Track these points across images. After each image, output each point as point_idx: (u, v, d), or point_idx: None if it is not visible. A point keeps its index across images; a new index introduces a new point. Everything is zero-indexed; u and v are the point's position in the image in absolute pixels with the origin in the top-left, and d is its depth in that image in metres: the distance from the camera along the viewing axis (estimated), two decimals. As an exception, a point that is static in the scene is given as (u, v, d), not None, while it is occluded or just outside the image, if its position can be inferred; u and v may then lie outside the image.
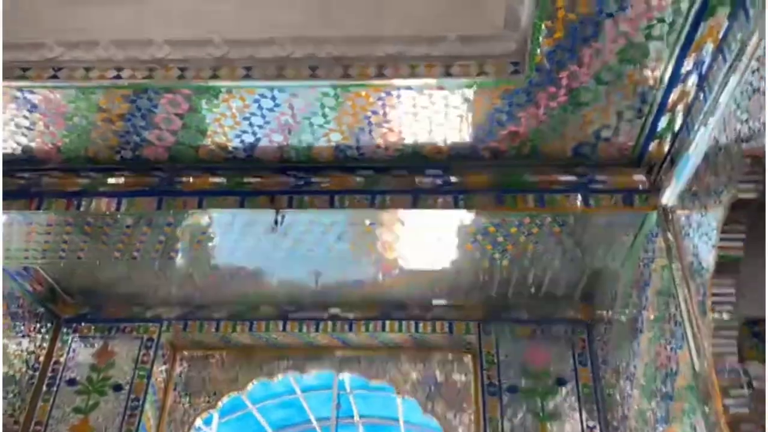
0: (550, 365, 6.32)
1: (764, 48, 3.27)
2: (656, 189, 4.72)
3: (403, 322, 6.72)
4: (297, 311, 6.85)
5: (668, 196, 4.56)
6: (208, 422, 6.98)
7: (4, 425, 5.96)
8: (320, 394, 8.77)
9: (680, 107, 4.20)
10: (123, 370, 6.63)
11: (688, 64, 3.97)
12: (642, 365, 5.00)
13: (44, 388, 6.53)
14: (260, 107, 4.62)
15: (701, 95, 3.95)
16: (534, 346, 6.43)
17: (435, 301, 6.67)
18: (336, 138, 4.86)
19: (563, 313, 6.52)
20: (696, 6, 3.67)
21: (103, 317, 6.93)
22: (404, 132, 4.77)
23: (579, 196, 4.87)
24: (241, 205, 5.11)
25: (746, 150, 3.52)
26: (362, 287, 6.55)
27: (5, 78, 4.50)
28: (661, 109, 4.32)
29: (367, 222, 5.16)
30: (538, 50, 4.02)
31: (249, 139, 4.91)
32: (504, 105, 4.46)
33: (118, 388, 6.54)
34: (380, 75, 4.35)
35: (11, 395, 6.15)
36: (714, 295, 3.95)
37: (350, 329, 6.79)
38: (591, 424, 5.96)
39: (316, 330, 6.80)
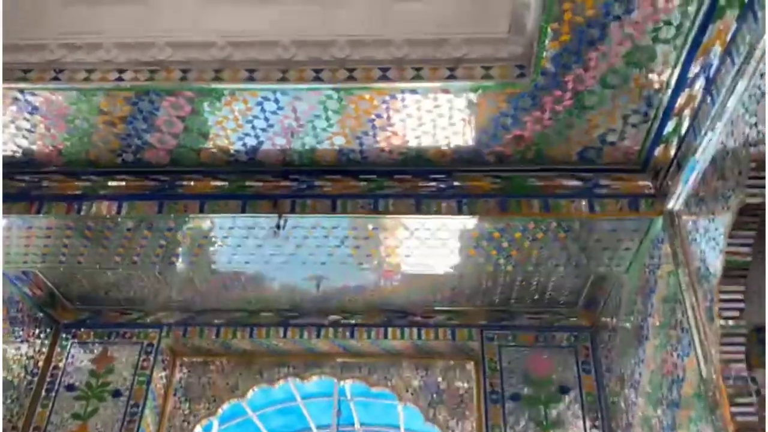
0: (554, 373, 6.28)
1: (771, 50, 3.24)
2: (662, 194, 4.67)
3: (405, 329, 6.69)
4: (298, 317, 6.81)
5: (674, 201, 4.51)
6: (207, 429, 6.91)
7: (2, 431, 5.90)
8: (321, 402, 8.71)
9: (687, 111, 4.16)
10: (122, 375, 6.59)
11: (695, 68, 3.93)
12: (647, 372, 4.94)
13: (43, 393, 6.50)
14: (263, 110, 4.58)
15: (708, 99, 3.91)
16: (537, 353, 6.39)
17: (437, 307, 6.62)
18: (339, 141, 4.82)
19: (567, 320, 6.49)
20: (704, 8, 3.64)
21: (102, 322, 6.89)
22: (408, 136, 4.74)
23: (584, 201, 4.83)
24: (243, 210, 5.07)
25: (754, 154, 3.48)
26: (364, 293, 6.52)
27: (6, 80, 4.47)
28: (668, 113, 4.28)
29: (370, 227, 5.12)
30: (544, 53, 3.99)
31: (251, 142, 4.87)
32: (509, 109, 4.43)
33: (117, 393, 6.49)
34: (384, 78, 4.31)
35: (10, 401, 6.10)
36: (721, 301, 3.90)
37: (352, 336, 6.76)
38: (595, 432, 5.93)
39: (317, 336, 6.77)
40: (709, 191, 4.02)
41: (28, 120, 4.80)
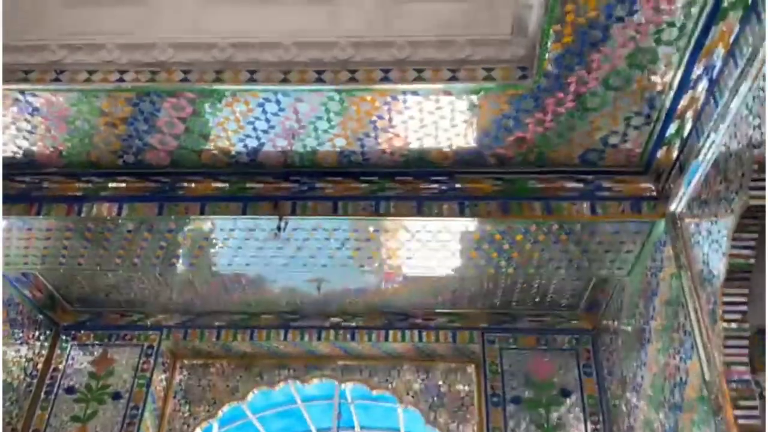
0: (555, 376, 6.27)
1: (777, 52, 3.23)
2: (664, 196, 4.66)
3: (406, 331, 6.69)
4: (299, 320, 6.80)
5: (677, 204, 4.50)
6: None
7: (1, 433, 5.90)
8: (321, 404, 8.69)
9: (690, 113, 4.15)
10: (122, 378, 6.59)
11: (698, 70, 3.92)
12: (649, 376, 4.92)
13: (42, 395, 6.49)
14: (264, 111, 4.57)
15: (711, 101, 3.89)
16: (538, 356, 6.38)
17: (438, 310, 6.61)
18: (340, 143, 4.81)
19: (568, 323, 6.48)
20: (707, 10, 3.63)
21: (102, 324, 6.89)
22: (410, 137, 4.72)
23: (586, 204, 4.81)
24: (244, 212, 5.05)
25: (757, 156, 3.46)
26: (365, 295, 6.51)
27: (7, 80, 4.46)
28: (670, 115, 4.27)
29: (371, 229, 5.10)
30: (547, 55, 3.97)
31: (252, 143, 4.86)
32: (511, 110, 4.41)
33: (117, 396, 6.49)
34: (386, 79, 4.30)
35: (9, 403, 6.08)
36: (725, 303, 3.88)
37: (352, 338, 6.75)
38: (596, 435, 5.91)
39: (318, 339, 6.76)
40: (712, 193, 4.00)
41: (28, 121, 4.78)
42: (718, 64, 3.76)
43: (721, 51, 3.71)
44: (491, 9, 4.24)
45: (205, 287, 6.44)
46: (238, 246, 5.30)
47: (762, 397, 3.83)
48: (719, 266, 3.90)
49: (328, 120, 4.61)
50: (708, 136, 3.97)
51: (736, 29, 3.54)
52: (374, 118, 4.57)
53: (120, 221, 5.16)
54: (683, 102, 4.13)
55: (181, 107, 4.59)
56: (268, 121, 4.65)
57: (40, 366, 6.56)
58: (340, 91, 4.37)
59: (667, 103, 4.22)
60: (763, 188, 3.51)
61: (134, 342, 6.78)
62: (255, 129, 4.73)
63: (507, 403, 6.12)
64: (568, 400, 6.12)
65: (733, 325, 3.90)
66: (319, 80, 4.34)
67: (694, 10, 3.66)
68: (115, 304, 6.78)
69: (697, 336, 4.13)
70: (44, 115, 4.72)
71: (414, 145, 4.79)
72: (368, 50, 4.32)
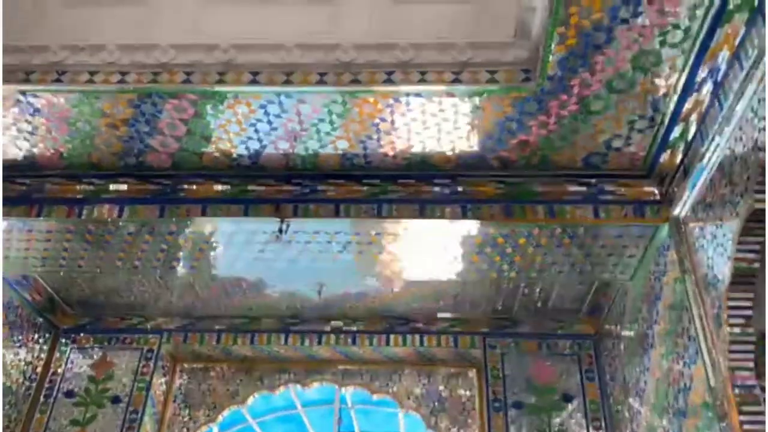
0: (557, 381, 6.22)
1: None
2: (668, 200, 4.64)
3: (407, 336, 6.65)
4: (299, 324, 6.77)
5: (680, 208, 4.48)
6: (207, 436, 6.87)
7: (0, 436, 5.86)
8: (321, 409, 8.64)
9: (694, 116, 4.13)
10: (122, 381, 6.54)
11: (702, 72, 3.90)
12: (653, 381, 4.89)
13: (41, 399, 6.44)
14: (267, 113, 4.55)
15: (716, 104, 3.88)
16: (540, 361, 6.34)
17: (440, 314, 6.58)
18: (343, 145, 4.79)
19: (570, 328, 6.44)
20: (712, 12, 3.61)
21: (102, 328, 6.85)
22: (412, 140, 4.70)
23: (589, 207, 4.79)
24: (245, 214, 5.03)
25: (763, 159, 3.44)
26: (366, 299, 6.47)
27: (8, 81, 4.44)
28: (674, 118, 4.25)
29: (373, 232, 5.08)
30: (550, 57, 3.95)
31: (254, 146, 4.84)
32: (514, 113, 4.40)
33: (116, 400, 6.44)
34: (389, 81, 4.28)
35: (8, 406, 6.04)
36: (730, 308, 3.85)
37: (353, 342, 6.71)
38: (598, 441, 5.88)
39: (319, 343, 6.72)
40: (717, 197, 3.98)
41: (29, 122, 4.77)
42: (723, 66, 3.74)
43: (726, 53, 3.70)
44: (494, 11, 4.23)
45: (206, 290, 6.41)
46: (239, 249, 5.28)
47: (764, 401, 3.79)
48: (724, 270, 3.87)
49: (331, 122, 4.59)
50: (712, 139, 3.95)
51: (742, 32, 3.53)
52: (377, 120, 4.55)
53: (121, 223, 5.14)
54: (687, 105, 4.12)
55: (182, 109, 4.57)
56: (270, 123, 4.63)
57: (39, 369, 6.52)
58: (342, 93, 4.36)
59: (671, 107, 4.20)
60: (769, 191, 3.49)
61: (134, 345, 6.74)
62: (257, 131, 4.71)
63: (508, 408, 6.07)
64: (570, 406, 6.08)
65: (737, 329, 3.87)
66: (322, 82, 4.32)
67: (699, 13, 3.64)
68: (115, 307, 6.74)
69: (701, 341, 4.10)
70: (45, 116, 4.70)
71: (416, 147, 4.77)
72: (371, 52, 4.31)
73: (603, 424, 5.92)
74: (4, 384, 5.97)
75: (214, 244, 5.30)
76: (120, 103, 4.57)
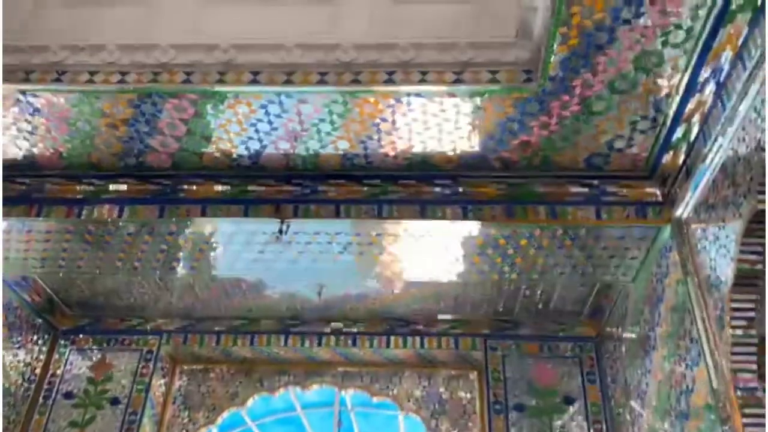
0: (558, 383, 6.21)
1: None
2: (670, 201, 4.61)
3: (408, 338, 6.64)
4: (299, 325, 6.75)
5: (683, 209, 4.45)
6: (206, 438, 6.84)
7: (-2, 438, 5.84)
8: (321, 412, 8.61)
9: (696, 117, 4.11)
10: (121, 383, 6.53)
11: (705, 73, 3.87)
12: (654, 383, 4.87)
13: (40, 400, 6.43)
14: (267, 113, 4.53)
15: (719, 104, 3.85)
16: (541, 363, 6.32)
17: (440, 316, 6.56)
18: (343, 146, 4.77)
19: (571, 330, 6.43)
20: (715, 12, 3.59)
21: (101, 329, 6.84)
22: (413, 140, 4.68)
23: (591, 209, 4.76)
24: (245, 214, 5.01)
25: (766, 159, 3.42)
26: (366, 301, 6.46)
27: (8, 81, 4.42)
28: (677, 119, 4.22)
29: (374, 233, 5.05)
30: (552, 58, 3.93)
31: (255, 146, 4.82)
32: (516, 113, 4.37)
33: (115, 401, 6.43)
34: (390, 81, 4.26)
35: (6, 408, 6.02)
36: (733, 309, 3.83)
37: (353, 344, 6.70)
38: (599, 443, 5.85)
39: (319, 344, 6.71)
40: (720, 198, 3.96)
41: (29, 122, 4.75)
42: (726, 66, 3.72)
43: (729, 54, 3.67)
44: (495, 11, 4.22)
45: (206, 292, 6.40)
46: (239, 249, 5.26)
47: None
48: (727, 271, 3.85)
49: (331, 122, 4.57)
50: (715, 140, 3.92)
51: (745, 31, 3.51)
52: (377, 120, 4.53)
53: (120, 224, 5.12)
54: (690, 106, 4.09)
55: (182, 109, 4.55)
56: (270, 123, 4.61)
57: (38, 371, 6.50)
58: (343, 92, 4.33)
59: (674, 107, 4.18)
60: (773, 192, 3.47)
61: (133, 347, 6.73)
62: (257, 131, 4.69)
63: (509, 411, 6.06)
64: (571, 408, 6.06)
65: (739, 331, 3.85)
66: (322, 82, 4.31)
67: (702, 13, 3.62)
68: (115, 308, 6.73)
69: (704, 343, 4.07)
70: (45, 116, 4.69)
71: (417, 148, 4.75)
72: (372, 52, 4.29)
73: (604, 427, 5.91)
74: (2, 385, 5.95)
75: (214, 245, 5.27)
76: (120, 103, 4.55)
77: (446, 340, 6.55)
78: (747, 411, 3.70)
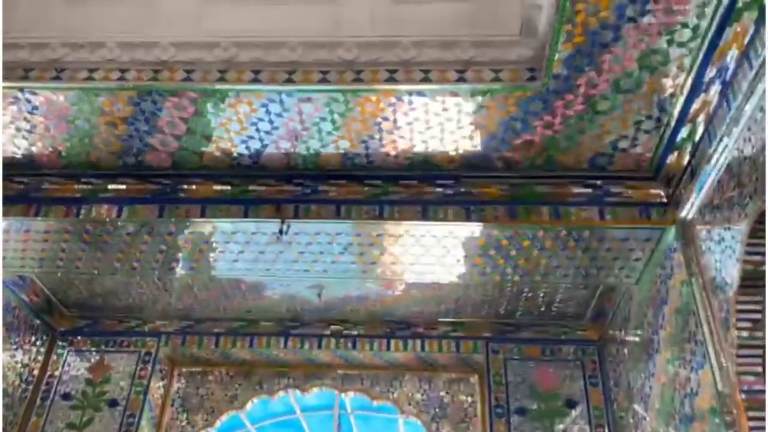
0: (560, 387, 6.18)
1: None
2: (675, 202, 4.56)
3: (408, 341, 6.60)
4: (299, 327, 6.72)
5: (687, 210, 4.40)
6: (205, 441, 6.78)
7: (-5, 439, 5.80)
8: (321, 415, 8.56)
9: (701, 117, 4.06)
10: (119, 385, 6.49)
11: (710, 72, 3.83)
12: (658, 386, 4.82)
13: (38, 402, 6.40)
14: (268, 112, 4.49)
15: (724, 104, 3.81)
16: (543, 366, 6.29)
17: (441, 319, 6.52)
18: (344, 145, 4.73)
19: (574, 333, 6.40)
20: (721, 10, 3.55)
21: (99, 330, 6.80)
22: (415, 140, 4.64)
23: (595, 209, 4.71)
24: (245, 214, 4.96)
25: (773, 159, 3.38)
26: (366, 303, 6.42)
27: (7, 78, 4.39)
28: (682, 119, 4.18)
29: (375, 233, 5.01)
30: (557, 56, 3.89)
31: (255, 145, 4.78)
32: (519, 113, 4.33)
33: (113, 403, 6.39)
34: (392, 80, 4.23)
35: (4, 409, 5.98)
36: (738, 311, 3.78)
37: (353, 347, 6.66)
38: (602, 447, 5.80)
39: (318, 347, 6.67)
40: (725, 199, 3.91)
41: (28, 120, 4.71)
42: (732, 66, 3.68)
43: (735, 52, 3.63)
44: (498, 9, 4.18)
45: (205, 293, 6.36)
46: (239, 250, 5.21)
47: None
48: (733, 273, 3.80)
49: (332, 121, 4.53)
50: (720, 140, 3.88)
51: (751, 30, 3.47)
52: (379, 119, 4.49)
53: (119, 223, 5.08)
54: (695, 105, 4.05)
55: (183, 107, 4.51)
56: (271, 122, 4.57)
57: (36, 372, 6.46)
58: (344, 91, 4.30)
59: (679, 107, 4.14)
60: (779, 192, 3.42)
61: (131, 348, 6.69)
62: (258, 130, 4.65)
63: (511, 415, 6.02)
64: (573, 412, 6.02)
65: (745, 333, 3.80)
66: (324, 81, 4.27)
67: (708, 11, 3.58)
68: (113, 309, 6.69)
69: (709, 345, 4.03)
70: (44, 114, 4.65)
71: (419, 147, 4.71)
72: (373, 51, 4.26)
73: (607, 431, 5.87)
74: (0, 386, 5.90)
75: (214, 245, 5.23)
76: (119, 101, 4.51)
77: (447, 342, 6.51)
78: (751, 414, 3.66)
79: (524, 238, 4.88)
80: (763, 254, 3.69)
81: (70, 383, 6.51)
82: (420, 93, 4.27)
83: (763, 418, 3.65)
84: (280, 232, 4.90)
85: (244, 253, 5.24)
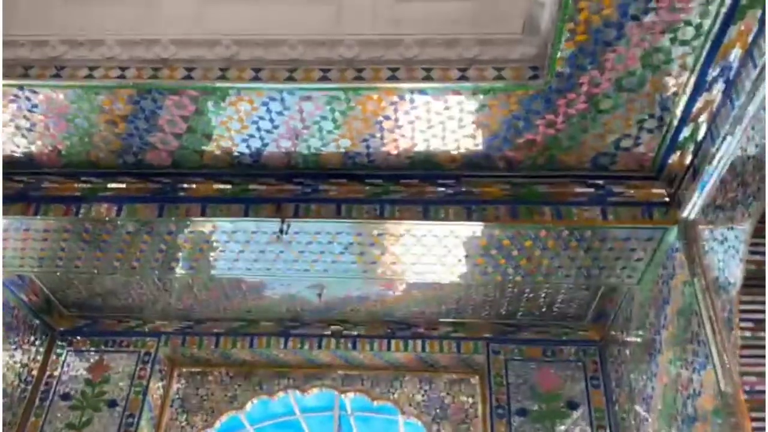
0: (561, 388, 6.15)
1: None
2: (677, 202, 4.54)
3: (409, 341, 6.58)
4: (299, 327, 6.69)
5: (690, 210, 4.38)
6: (204, 442, 6.76)
7: (-6, 440, 5.77)
8: (321, 416, 8.53)
9: (704, 116, 4.04)
10: (118, 385, 6.47)
11: (714, 71, 3.81)
12: (660, 387, 4.79)
13: (37, 402, 6.38)
14: (269, 110, 4.47)
15: (728, 103, 3.79)
16: (544, 367, 6.26)
17: (442, 319, 6.50)
18: (345, 144, 4.70)
19: (575, 334, 6.37)
20: (724, 9, 3.53)
21: (99, 330, 6.78)
22: (416, 138, 4.62)
23: (597, 209, 4.69)
24: (246, 214, 4.94)
25: (777, 158, 3.36)
26: (367, 303, 6.40)
27: (6, 76, 4.37)
28: (684, 118, 4.16)
29: (375, 233, 4.98)
30: (559, 54, 3.87)
31: (256, 144, 4.76)
32: (521, 111, 4.31)
33: (113, 404, 6.36)
34: (393, 78, 4.21)
35: (2, 409, 5.94)
36: (741, 311, 3.76)
37: (354, 347, 6.64)
38: (604, 448, 5.78)
39: (319, 347, 6.65)
40: (728, 198, 3.89)
41: (27, 118, 4.69)
42: (736, 64, 3.66)
43: (738, 51, 3.62)
44: (501, 7, 4.16)
45: (205, 293, 6.33)
46: (239, 249, 5.18)
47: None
48: (736, 272, 3.78)
49: (333, 120, 4.51)
50: (724, 139, 3.86)
51: (755, 28, 3.45)
52: (380, 118, 4.47)
53: (119, 222, 5.05)
54: (698, 104, 4.03)
55: (183, 105, 4.49)
56: (272, 120, 4.55)
57: (35, 372, 6.44)
58: (346, 90, 4.28)
59: (682, 106, 4.11)
60: (783, 191, 3.40)
61: (131, 348, 6.67)
62: (259, 129, 4.63)
63: (512, 416, 5.99)
64: (574, 413, 5.99)
65: (748, 333, 3.78)
66: (325, 79, 4.25)
67: (712, 9, 3.56)
68: (112, 309, 6.66)
69: (712, 345, 4.00)
70: (43, 112, 4.63)
71: (420, 146, 4.69)
72: (375, 48, 4.24)
73: (608, 432, 5.84)
74: (-1, 386, 5.89)
75: (214, 244, 5.20)
76: (119, 99, 4.49)
77: (448, 343, 6.49)
78: (757, 415, 3.63)
79: (526, 238, 4.85)
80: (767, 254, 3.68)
81: (70, 383, 6.49)
82: (422, 91, 4.25)
83: (762, 419, 3.63)
84: (281, 231, 4.88)
85: (244, 252, 5.21)
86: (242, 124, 4.60)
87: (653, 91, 4.09)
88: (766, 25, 3.31)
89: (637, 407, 5.25)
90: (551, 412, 6.01)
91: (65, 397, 6.41)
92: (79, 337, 6.74)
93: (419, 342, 6.53)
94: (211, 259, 5.37)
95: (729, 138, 3.80)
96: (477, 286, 5.92)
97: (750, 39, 3.50)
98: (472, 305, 6.27)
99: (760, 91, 3.46)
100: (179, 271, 5.54)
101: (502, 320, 6.41)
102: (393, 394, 6.72)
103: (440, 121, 4.45)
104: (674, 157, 4.44)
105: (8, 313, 6.08)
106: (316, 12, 4.30)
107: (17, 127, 4.78)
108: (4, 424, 5.97)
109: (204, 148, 4.83)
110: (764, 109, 3.44)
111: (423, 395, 6.66)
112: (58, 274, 5.84)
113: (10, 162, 5.03)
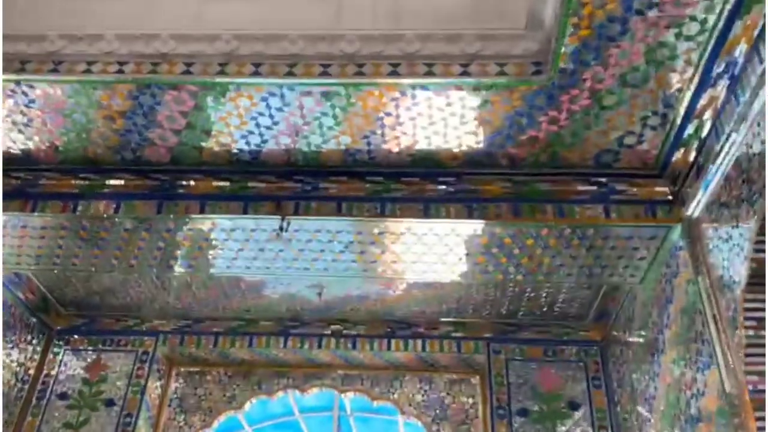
0: (562, 388, 6.12)
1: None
2: (680, 200, 4.50)
3: (409, 341, 6.54)
4: (298, 326, 6.65)
5: (693, 207, 4.34)
6: (203, 442, 6.71)
7: (-10, 439, 5.72)
8: (320, 416, 8.49)
9: (709, 113, 4.00)
10: (116, 385, 6.42)
11: (719, 67, 3.77)
12: (663, 387, 4.75)
13: (34, 401, 6.33)
14: (268, 106, 4.42)
15: (732, 99, 3.75)
16: (545, 367, 6.22)
17: (442, 319, 6.46)
18: (346, 141, 4.66)
19: (576, 334, 6.33)
20: (730, 4, 3.49)
21: (96, 329, 6.74)
22: (418, 135, 4.57)
23: (599, 207, 4.64)
24: (245, 211, 4.89)
25: (782, 155, 3.32)
26: (367, 302, 6.36)
27: (4, 71, 4.32)
28: (689, 115, 4.12)
29: (376, 231, 4.94)
30: (563, 49, 3.83)
31: (255, 140, 4.71)
32: (524, 107, 4.27)
33: (110, 403, 6.32)
34: (394, 74, 4.16)
35: (-1, 408, 5.90)
36: (746, 310, 3.72)
37: (353, 347, 6.60)
38: (605, 449, 5.74)
39: (318, 347, 6.61)
40: (733, 196, 3.85)
41: (24, 114, 4.65)
42: (741, 60, 3.62)
43: (743, 47, 3.58)
44: (504, 2, 4.12)
45: (203, 291, 6.29)
46: (239, 247, 5.14)
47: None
48: (740, 270, 3.74)
49: (334, 116, 4.46)
50: (728, 136, 3.82)
51: (761, 23, 3.41)
52: (381, 114, 4.43)
53: (117, 220, 5.00)
54: (702, 101, 3.99)
55: (182, 101, 4.45)
56: (272, 116, 4.51)
57: (32, 371, 6.39)
58: (346, 85, 4.23)
59: (686, 102, 4.07)
60: (789, 188, 3.37)
61: (129, 348, 6.62)
62: (258, 125, 4.59)
63: (513, 416, 5.95)
64: (576, 414, 5.96)
65: (751, 332, 3.74)
66: (325, 74, 4.21)
67: (717, 4, 3.52)
68: (110, 307, 6.62)
69: (716, 344, 3.96)
70: (41, 108, 4.59)
71: (422, 143, 4.65)
72: (376, 44, 4.19)
73: (610, 433, 5.80)
74: (-4, 386, 5.85)
75: (213, 242, 5.15)
76: (118, 95, 4.45)
77: (448, 343, 6.45)
78: (762, 414, 3.59)
79: (527, 237, 4.81)
80: (773, 251, 3.64)
81: (67, 382, 6.44)
82: (423, 87, 4.21)
83: (764, 419, 3.59)
84: (280, 229, 4.83)
85: (243, 250, 5.17)
86: (242, 120, 4.55)
87: (657, 87, 4.05)
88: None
89: (639, 408, 5.21)
90: (552, 413, 5.97)
91: (62, 396, 6.37)
92: (76, 336, 6.69)
93: (419, 342, 6.48)
94: (209, 257, 5.33)
95: (734, 135, 3.77)
96: (478, 285, 5.87)
97: (755, 34, 3.47)
98: (473, 305, 6.23)
99: (766, 88, 3.42)
100: (178, 269, 5.49)
101: (502, 320, 6.36)
102: (393, 394, 6.68)
103: (442, 118, 4.41)
104: (678, 155, 4.40)
105: (5, 311, 6.03)
106: (316, 6, 4.26)
107: (14, 123, 4.74)
108: (1, 424, 5.92)
109: (203, 144, 4.79)
110: (770, 105, 3.40)
111: (423, 395, 6.61)
112: (55, 272, 5.79)
113: (7, 158, 4.99)
